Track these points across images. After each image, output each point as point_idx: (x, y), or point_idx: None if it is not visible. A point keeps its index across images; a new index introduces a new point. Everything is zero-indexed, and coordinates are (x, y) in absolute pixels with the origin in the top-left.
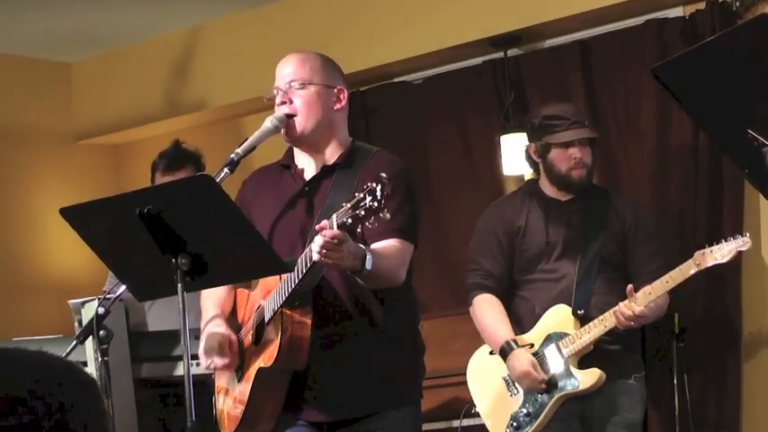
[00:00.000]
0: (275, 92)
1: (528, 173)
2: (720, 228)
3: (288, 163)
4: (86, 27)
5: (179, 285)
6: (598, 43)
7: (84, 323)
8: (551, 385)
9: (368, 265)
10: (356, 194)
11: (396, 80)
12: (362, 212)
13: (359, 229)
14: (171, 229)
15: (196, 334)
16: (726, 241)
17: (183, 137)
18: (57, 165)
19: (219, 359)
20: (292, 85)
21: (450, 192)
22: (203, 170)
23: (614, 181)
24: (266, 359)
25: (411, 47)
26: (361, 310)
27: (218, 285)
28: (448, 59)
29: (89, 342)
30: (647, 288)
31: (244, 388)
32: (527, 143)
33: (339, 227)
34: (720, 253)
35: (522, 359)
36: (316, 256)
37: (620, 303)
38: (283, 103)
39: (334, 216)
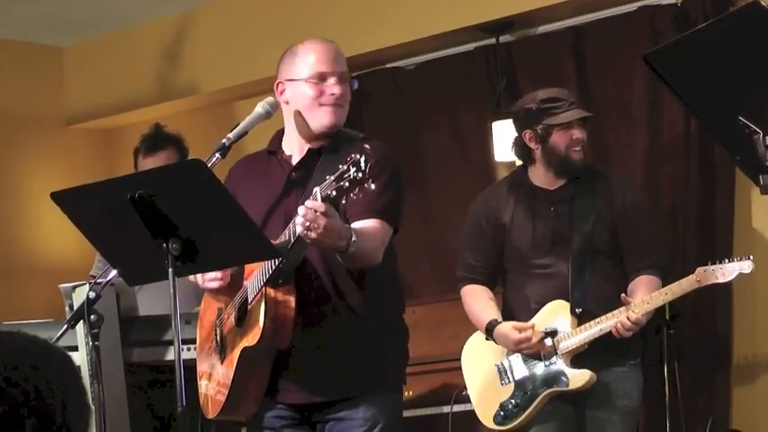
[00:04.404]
0: (323, 75)
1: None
2: (712, 216)
3: (274, 149)
4: (78, 11)
5: (170, 270)
6: (590, 30)
7: (75, 307)
8: (550, 335)
9: (352, 248)
10: (340, 167)
11: (388, 65)
12: (347, 184)
13: (343, 201)
14: (162, 213)
15: (187, 319)
16: (729, 261)
17: (174, 122)
18: (48, 149)
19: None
20: (344, 78)
21: (442, 178)
22: (185, 152)
23: (605, 166)
24: (250, 339)
25: (403, 32)
26: (339, 293)
27: (209, 270)
28: (440, 45)
29: (80, 326)
30: (645, 297)
31: (227, 370)
32: (520, 131)
33: (323, 200)
34: (722, 272)
35: (507, 329)
36: (299, 229)
37: (618, 320)
38: (341, 95)
39: (318, 189)
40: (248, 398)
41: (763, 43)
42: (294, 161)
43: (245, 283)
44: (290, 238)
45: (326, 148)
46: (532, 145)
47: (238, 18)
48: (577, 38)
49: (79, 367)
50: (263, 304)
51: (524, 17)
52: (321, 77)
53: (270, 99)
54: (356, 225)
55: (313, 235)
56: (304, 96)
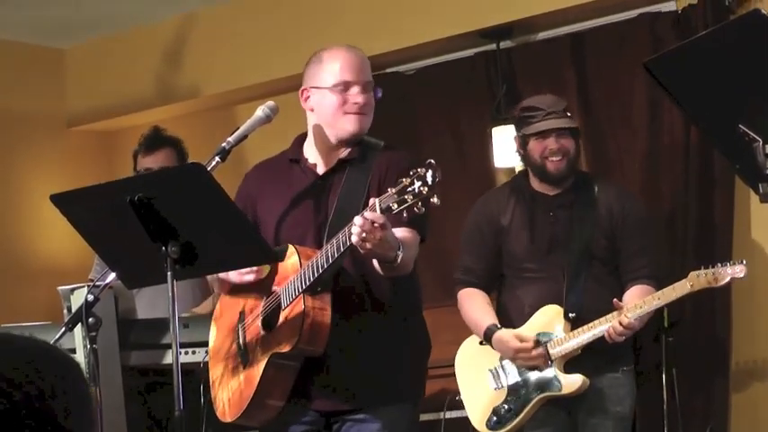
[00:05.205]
0: (347, 84)
1: (519, 165)
2: (711, 223)
3: (296, 157)
4: (80, 13)
5: (169, 273)
6: (591, 36)
7: (74, 310)
8: (539, 344)
9: (398, 259)
10: (402, 180)
11: (388, 71)
12: (410, 197)
13: (404, 215)
14: (161, 216)
15: (185, 322)
16: (722, 266)
17: (175, 124)
18: (48, 151)
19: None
20: (368, 88)
21: (441, 183)
22: (184, 154)
23: (605, 172)
24: (283, 345)
25: (403, 37)
26: (372, 301)
27: (208, 274)
28: (440, 51)
29: (78, 329)
30: (638, 302)
31: (251, 375)
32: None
33: (383, 211)
34: (714, 277)
35: (508, 337)
36: (355, 239)
37: (610, 325)
38: (365, 104)
39: (377, 200)
40: (270, 404)
41: (764, 51)
42: (319, 169)
43: (275, 288)
44: (339, 246)
45: (355, 159)
46: (520, 151)
47: (239, 22)
48: (577, 44)
49: None
50: (300, 311)
51: (525, 23)
52: (345, 86)
53: (270, 103)
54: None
55: (368, 246)
56: (328, 105)
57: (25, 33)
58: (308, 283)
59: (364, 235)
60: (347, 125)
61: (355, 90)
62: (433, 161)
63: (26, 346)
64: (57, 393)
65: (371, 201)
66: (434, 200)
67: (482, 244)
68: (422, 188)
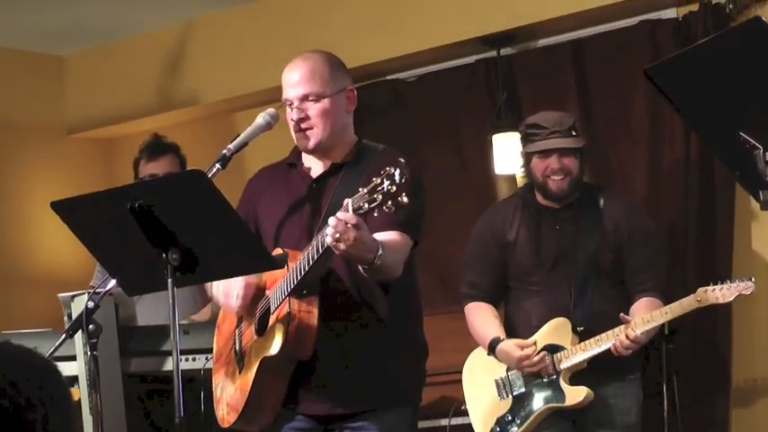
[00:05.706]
0: (286, 102)
1: (520, 173)
2: (712, 235)
3: (294, 161)
4: (79, 20)
5: (169, 280)
6: (591, 43)
7: (74, 317)
8: (550, 351)
9: (378, 261)
10: (373, 179)
11: (388, 78)
12: (380, 196)
13: (375, 213)
14: (161, 223)
15: (185, 329)
16: (730, 282)
17: (174, 132)
18: (48, 158)
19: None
20: (309, 99)
21: (442, 190)
22: (184, 161)
23: (605, 182)
24: (271, 349)
25: (404, 44)
26: (365, 304)
27: (208, 281)
28: (441, 58)
29: (78, 336)
30: (645, 316)
31: (245, 380)
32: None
33: (354, 211)
34: (722, 293)
35: (510, 347)
36: (329, 240)
37: (617, 339)
38: (301, 119)
39: (349, 201)
40: (266, 408)
41: (764, 58)
42: (314, 173)
43: (267, 292)
44: (318, 248)
45: (348, 162)
46: (524, 168)
47: (239, 29)
48: (578, 51)
49: (76, 377)
50: (286, 314)
51: (525, 30)
52: (286, 104)
53: (270, 110)
54: (379, 237)
55: (342, 246)
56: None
57: (24, 40)
58: (292, 286)
59: (338, 235)
60: (298, 141)
61: (290, 108)
62: (402, 160)
63: (3, 358)
64: (34, 404)
65: (345, 201)
66: (403, 198)
67: (487, 259)
68: (390, 187)
